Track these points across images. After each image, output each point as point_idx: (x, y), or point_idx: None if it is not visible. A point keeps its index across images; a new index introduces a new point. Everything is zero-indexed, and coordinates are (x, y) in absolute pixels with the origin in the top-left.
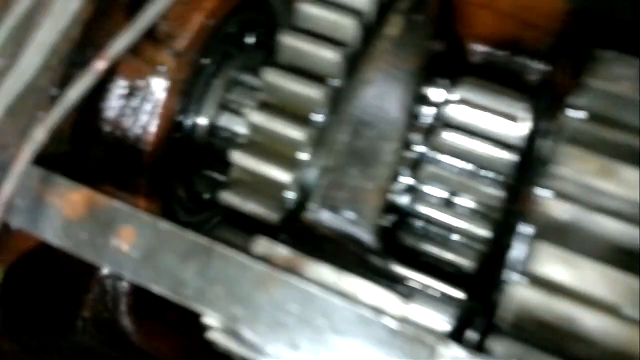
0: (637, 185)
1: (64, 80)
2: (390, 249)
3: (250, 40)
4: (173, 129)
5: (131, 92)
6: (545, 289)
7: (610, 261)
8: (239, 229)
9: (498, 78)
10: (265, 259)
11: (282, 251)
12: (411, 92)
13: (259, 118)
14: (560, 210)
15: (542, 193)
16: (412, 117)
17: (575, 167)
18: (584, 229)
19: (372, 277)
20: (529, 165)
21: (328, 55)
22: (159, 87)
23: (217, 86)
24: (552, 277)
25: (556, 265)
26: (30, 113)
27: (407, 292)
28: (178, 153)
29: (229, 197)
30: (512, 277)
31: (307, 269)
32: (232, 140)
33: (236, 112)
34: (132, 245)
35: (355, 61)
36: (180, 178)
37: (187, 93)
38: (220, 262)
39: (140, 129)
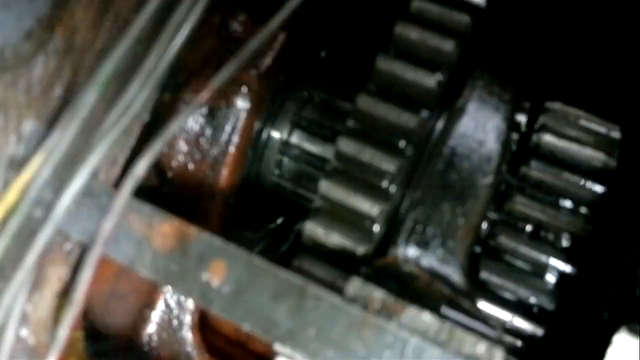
0: None
1: (157, 106)
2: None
3: (322, 54)
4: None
5: (212, 112)
6: None
7: None
8: (320, 259)
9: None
10: (359, 301)
11: (377, 294)
12: (508, 121)
13: (348, 146)
14: None
15: None
16: (507, 148)
17: None
18: None
19: (465, 322)
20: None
21: (425, 82)
22: (241, 107)
23: (291, 103)
24: None
25: None
26: (122, 140)
27: (498, 337)
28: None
29: (313, 228)
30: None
31: (405, 314)
32: (301, 159)
33: (308, 130)
34: (222, 281)
35: (452, 89)
36: (249, 196)
37: (265, 111)
38: (313, 303)
39: (219, 149)
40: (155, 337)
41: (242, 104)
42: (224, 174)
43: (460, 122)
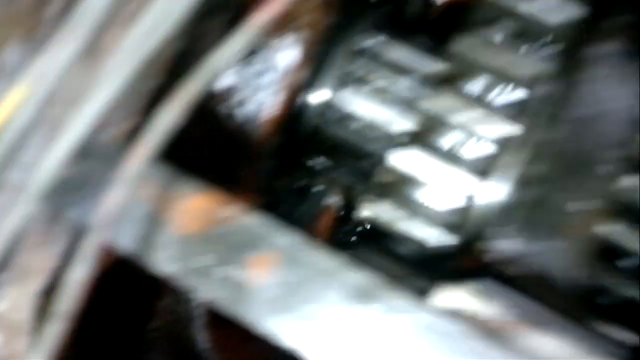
0: None
1: (190, 32)
2: None
3: None
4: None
5: (249, 57)
6: None
7: None
8: (388, 251)
9: None
10: (455, 317)
11: (481, 306)
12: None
13: (438, 101)
14: None
15: None
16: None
17: None
18: None
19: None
20: None
21: (550, 17)
22: (289, 50)
23: (339, 54)
24: None
25: None
26: (142, 78)
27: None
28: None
29: (378, 211)
30: None
31: (519, 336)
32: (344, 123)
33: (356, 87)
34: (268, 281)
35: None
36: (282, 167)
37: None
38: (387, 316)
39: (257, 104)
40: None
41: (291, 45)
42: (263, 135)
43: (589, 82)
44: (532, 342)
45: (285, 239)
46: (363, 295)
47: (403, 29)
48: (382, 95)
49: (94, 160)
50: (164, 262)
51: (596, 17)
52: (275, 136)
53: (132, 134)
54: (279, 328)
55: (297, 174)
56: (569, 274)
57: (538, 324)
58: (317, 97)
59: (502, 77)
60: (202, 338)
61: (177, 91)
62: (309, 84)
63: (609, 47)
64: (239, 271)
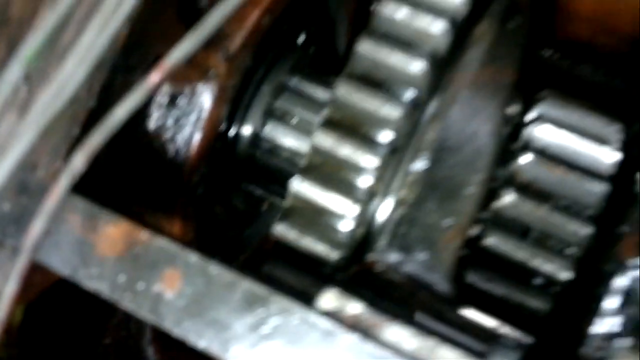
0: None
1: (104, 90)
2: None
3: (301, 39)
4: (216, 140)
5: (173, 100)
6: None
7: None
8: (292, 265)
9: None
10: (332, 315)
11: (353, 307)
12: (503, 112)
13: (324, 140)
14: None
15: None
16: (502, 141)
17: None
18: None
19: (450, 335)
20: (624, 200)
21: (411, 67)
22: (206, 95)
23: (265, 92)
24: None
25: None
26: (65, 128)
27: (484, 349)
28: (218, 166)
29: (284, 231)
30: (622, 344)
31: (383, 330)
32: (275, 152)
33: (282, 121)
34: (177, 293)
35: (441, 74)
36: (219, 192)
37: (234, 100)
38: (278, 317)
39: (182, 142)
40: (112, 348)
41: (207, 90)
42: (187, 169)
43: (450, 111)
44: (396, 336)
45: (191, 256)
46: (258, 300)
47: (324, 68)
48: (306, 127)
49: (27, 197)
50: (91, 280)
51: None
52: (203, 166)
53: (56, 174)
54: (190, 331)
55: (237, 199)
56: (440, 279)
57: (402, 321)
58: (247, 129)
59: (371, 118)
60: (150, 352)
61: (85, 139)
62: (240, 117)
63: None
64: (155, 285)
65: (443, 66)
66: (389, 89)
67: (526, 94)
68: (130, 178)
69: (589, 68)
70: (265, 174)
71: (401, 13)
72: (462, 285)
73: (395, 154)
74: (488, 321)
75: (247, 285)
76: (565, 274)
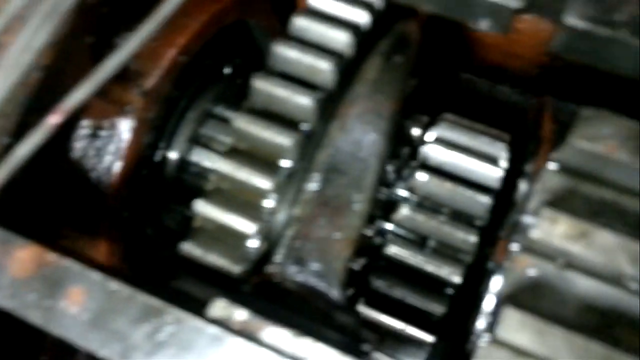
0: (612, 249)
1: (20, 129)
2: (361, 291)
3: (227, 70)
4: (140, 166)
5: (95, 133)
6: (511, 352)
7: (581, 325)
8: (201, 279)
9: (481, 114)
10: (221, 322)
11: (239, 314)
12: (387, 138)
13: (226, 165)
14: (530, 266)
15: (513, 246)
16: (388, 162)
17: (547, 229)
18: (555, 288)
19: (336, 338)
20: (506, 209)
21: (301, 100)
22: (125, 127)
23: (189, 120)
24: (520, 345)
25: (523, 332)
26: None
27: (373, 347)
28: (146, 189)
29: (190, 248)
30: (483, 339)
31: (265, 333)
32: (203, 176)
33: (208, 147)
34: (80, 308)
35: (331, 106)
36: (149, 214)
37: (156, 128)
38: (172, 326)
39: (103, 170)
40: None
41: (125, 124)
42: (110, 195)
43: (338, 138)
44: (277, 338)
45: (94, 274)
46: (153, 311)
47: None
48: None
49: None
50: (4, 299)
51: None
52: (125, 191)
53: None
54: (93, 342)
55: (169, 220)
56: (332, 287)
57: (286, 324)
58: (174, 154)
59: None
60: None
61: None
62: (165, 143)
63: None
64: (61, 301)
65: (332, 99)
66: (283, 120)
67: (427, 115)
68: (56, 206)
69: (506, 88)
70: (194, 195)
71: (293, 52)
72: (369, 291)
73: (291, 177)
74: (394, 323)
75: (143, 299)
76: (457, 278)
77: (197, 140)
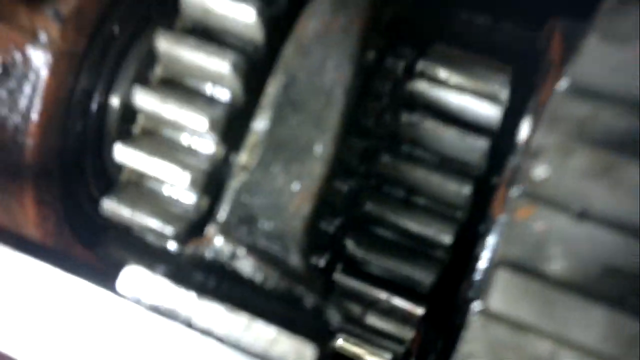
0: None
1: None
2: (337, 257)
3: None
4: (73, 114)
5: (5, 70)
6: (510, 327)
7: (601, 293)
8: (132, 245)
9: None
10: (134, 297)
11: (156, 285)
12: (356, 62)
13: (151, 100)
14: (535, 218)
15: (513, 193)
16: (360, 96)
17: (558, 163)
18: (567, 245)
19: (294, 314)
20: (504, 155)
21: (244, 13)
22: (40, 62)
23: (132, 59)
24: (519, 317)
25: (524, 302)
26: None
27: (338, 327)
28: (85, 143)
29: (113, 206)
30: (475, 307)
31: (188, 308)
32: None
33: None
34: None
35: (283, 22)
36: (92, 172)
37: (90, 69)
38: (76, 300)
39: (19, 116)
40: None
41: (40, 57)
42: (30, 146)
43: (293, 64)
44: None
45: None
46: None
47: None
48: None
49: None
50: None
51: None
52: (52, 143)
53: None
54: None
55: (113, 177)
56: (289, 250)
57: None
58: (115, 100)
59: (201, 73)
60: None
61: None
62: (104, 86)
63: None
64: None
65: (285, 13)
66: (221, 40)
67: (411, 46)
68: None
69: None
70: None
71: None
72: (347, 256)
73: (233, 114)
74: (376, 293)
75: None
76: (448, 238)
77: (144, 83)
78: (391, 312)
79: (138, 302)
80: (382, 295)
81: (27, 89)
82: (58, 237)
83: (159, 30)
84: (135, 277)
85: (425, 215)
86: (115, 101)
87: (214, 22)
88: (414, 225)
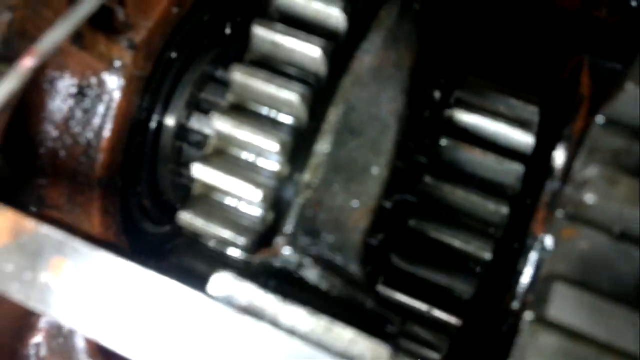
0: None
1: None
2: (379, 270)
3: (227, 30)
4: (134, 132)
5: (81, 92)
6: (564, 335)
7: (634, 302)
8: (203, 253)
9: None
10: (223, 299)
11: (246, 290)
12: (407, 94)
13: (226, 124)
14: (579, 237)
15: (560, 215)
16: (409, 123)
17: (605, 191)
18: (609, 261)
19: (356, 318)
20: (537, 178)
21: (309, 50)
22: (113, 85)
23: (187, 83)
24: (571, 324)
25: (579, 312)
26: None
27: (396, 331)
28: (142, 159)
29: (189, 218)
30: (527, 317)
31: (273, 311)
32: (203, 144)
33: (208, 113)
34: (63, 280)
35: (343, 57)
36: (146, 186)
37: (151, 91)
38: (171, 303)
39: (92, 133)
40: (43, 347)
41: (114, 80)
42: (100, 160)
43: (352, 94)
44: (290, 318)
45: (77, 242)
46: (149, 288)
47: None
48: None
49: None
50: None
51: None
52: (119, 157)
53: None
54: (78, 320)
55: (168, 193)
56: (349, 260)
57: (297, 303)
58: (170, 120)
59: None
60: (84, 350)
61: None
62: (160, 108)
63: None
64: (42, 273)
65: (344, 48)
66: (288, 72)
67: (447, 77)
68: (44, 172)
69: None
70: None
71: None
72: (389, 269)
73: (299, 137)
74: (416, 304)
75: (134, 269)
76: (487, 254)
77: (196, 105)
78: (429, 322)
79: (228, 303)
80: (423, 306)
81: (100, 108)
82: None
83: (234, 64)
84: (224, 281)
85: (465, 232)
86: (170, 121)
87: (281, 55)
88: (455, 241)
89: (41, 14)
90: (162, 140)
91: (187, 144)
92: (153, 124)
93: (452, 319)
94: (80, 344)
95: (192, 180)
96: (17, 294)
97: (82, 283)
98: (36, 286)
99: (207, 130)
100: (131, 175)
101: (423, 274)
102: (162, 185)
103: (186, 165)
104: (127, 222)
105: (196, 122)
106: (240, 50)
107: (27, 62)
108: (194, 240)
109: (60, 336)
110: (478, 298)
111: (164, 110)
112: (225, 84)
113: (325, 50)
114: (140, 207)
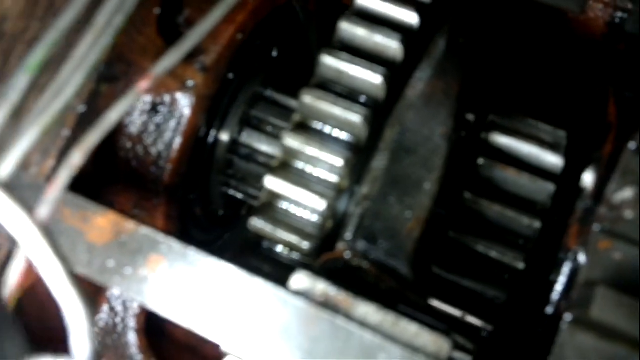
0: None
1: (92, 97)
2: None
3: (274, 53)
4: (197, 145)
5: (155, 108)
6: (600, 334)
7: None
8: (268, 256)
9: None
10: (303, 295)
11: (322, 286)
12: (454, 118)
13: (294, 141)
14: (614, 249)
15: (596, 229)
16: (455, 144)
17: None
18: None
19: (413, 314)
20: (566, 196)
21: (370, 77)
22: (184, 103)
23: (241, 101)
24: (612, 324)
25: (619, 313)
26: (55, 131)
27: (445, 328)
28: (197, 170)
29: (259, 224)
30: (566, 319)
31: (348, 306)
32: (252, 158)
33: (258, 129)
34: (160, 276)
35: (398, 83)
36: (198, 195)
37: (211, 109)
38: (256, 297)
39: (163, 146)
40: (99, 343)
41: (186, 99)
42: (168, 171)
43: (406, 117)
44: (362, 312)
45: (173, 242)
46: (236, 284)
47: (298, 79)
48: (280, 134)
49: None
50: (82, 266)
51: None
52: (183, 169)
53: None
54: (175, 312)
55: (217, 203)
56: (402, 264)
57: (366, 299)
58: (225, 136)
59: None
60: (135, 344)
61: (83, 139)
62: (217, 124)
63: (424, 76)
64: (140, 269)
65: (400, 76)
66: (351, 96)
67: (483, 102)
68: (116, 179)
69: None
70: (244, 178)
71: (361, 28)
72: (430, 275)
73: (359, 154)
74: (452, 310)
75: (226, 269)
76: (520, 264)
77: (248, 122)
78: (463, 326)
79: (307, 299)
80: (456, 312)
81: (172, 123)
82: None
83: (304, 88)
84: (303, 279)
85: (501, 244)
86: (225, 136)
87: (345, 81)
88: (492, 252)
89: (135, 40)
90: (216, 154)
91: (238, 157)
92: (211, 139)
93: (483, 324)
94: (132, 340)
95: (240, 190)
96: (118, 286)
97: (176, 278)
98: (135, 280)
99: (256, 145)
100: (188, 184)
101: (460, 282)
102: (212, 195)
103: (234, 176)
104: (181, 229)
105: (247, 137)
106: (284, 73)
107: (143, 85)
108: (260, 245)
109: (114, 333)
110: (510, 304)
111: (221, 126)
112: (273, 103)
113: (386, 78)
114: (192, 214)
